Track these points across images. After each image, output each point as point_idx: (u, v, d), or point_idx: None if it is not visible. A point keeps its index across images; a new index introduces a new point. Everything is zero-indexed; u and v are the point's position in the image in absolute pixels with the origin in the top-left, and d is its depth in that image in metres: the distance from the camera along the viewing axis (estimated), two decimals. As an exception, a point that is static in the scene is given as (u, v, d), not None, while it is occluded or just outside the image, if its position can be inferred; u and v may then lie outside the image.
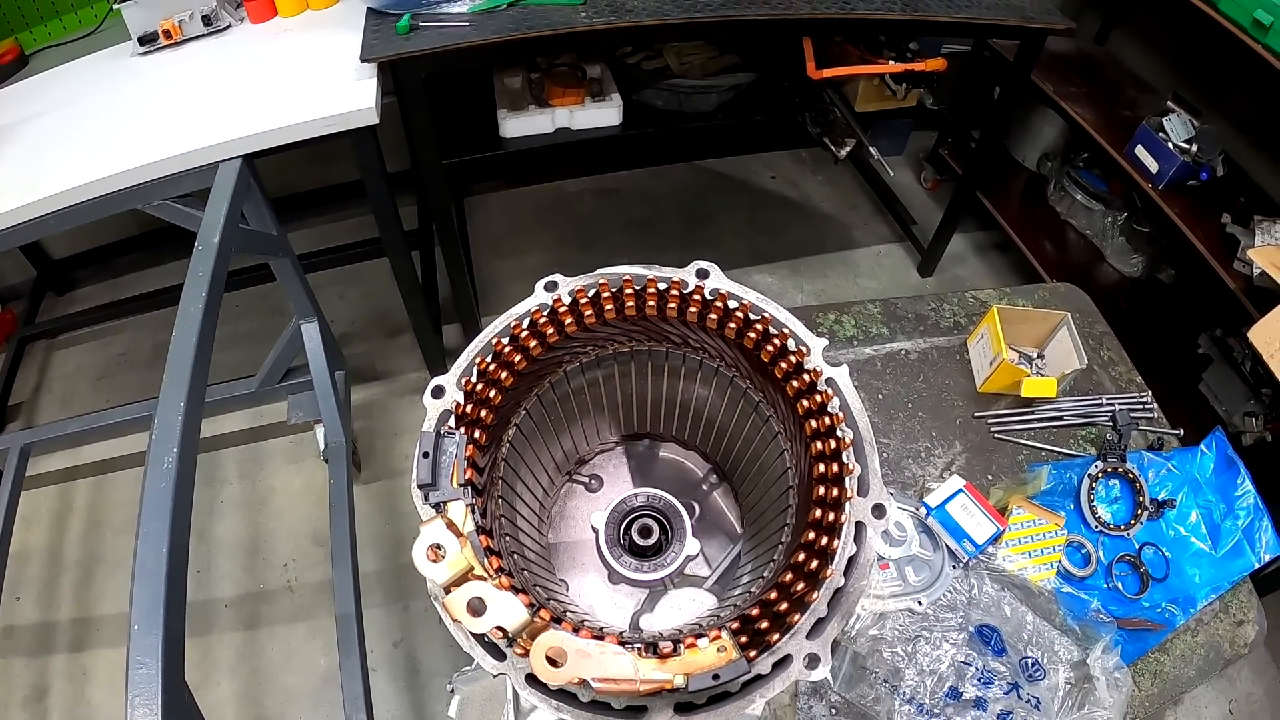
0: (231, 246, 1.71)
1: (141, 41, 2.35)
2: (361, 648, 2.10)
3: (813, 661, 0.63)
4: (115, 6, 2.28)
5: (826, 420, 0.71)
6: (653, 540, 0.95)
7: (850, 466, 0.69)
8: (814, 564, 0.67)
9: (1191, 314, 3.05)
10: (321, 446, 2.61)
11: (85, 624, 2.58)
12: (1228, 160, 2.83)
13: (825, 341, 0.73)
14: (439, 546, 0.61)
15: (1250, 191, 2.83)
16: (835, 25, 2.44)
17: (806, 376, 0.72)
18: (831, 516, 0.69)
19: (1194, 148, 2.71)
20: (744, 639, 0.64)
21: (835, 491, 0.69)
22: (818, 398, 0.71)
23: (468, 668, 1.10)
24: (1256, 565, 1.58)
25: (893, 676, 1.31)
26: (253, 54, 2.33)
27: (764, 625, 0.64)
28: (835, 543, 0.67)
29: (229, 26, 2.44)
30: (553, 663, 0.58)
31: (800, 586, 0.66)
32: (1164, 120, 2.79)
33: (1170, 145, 2.73)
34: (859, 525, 0.69)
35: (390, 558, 2.67)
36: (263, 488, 2.87)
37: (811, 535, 0.69)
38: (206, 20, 2.37)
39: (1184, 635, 1.51)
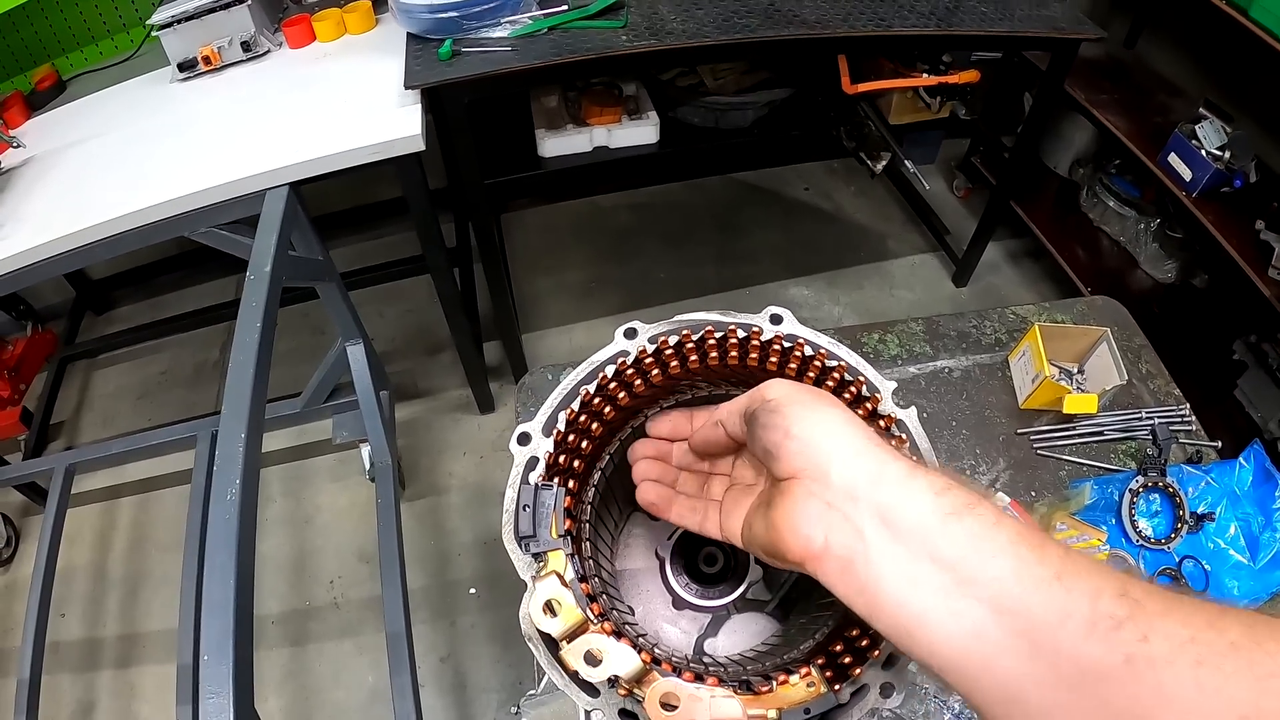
0: (282, 275, 1.72)
1: (181, 68, 2.37)
2: (413, 666, 2.12)
3: (887, 690, 0.66)
4: (154, 34, 2.31)
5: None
6: (717, 568, 0.97)
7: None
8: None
9: (1226, 320, 3.04)
10: (367, 466, 2.64)
11: (131, 640, 2.62)
12: (1261, 165, 2.82)
13: (895, 385, 0.75)
14: (556, 602, 0.64)
15: (1285, 196, 2.80)
16: (873, 43, 2.44)
17: (881, 422, 0.74)
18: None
19: (1227, 154, 2.69)
20: (829, 673, 0.66)
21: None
22: (892, 443, 0.73)
23: (533, 691, 1.12)
24: (1296, 577, 1.58)
25: (942, 691, 1.33)
26: (293, 80, 2.35)
27: (846, 660, 0.67)
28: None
29: (268, 52, 2.45)
30: (668, 707, 0.60)
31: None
32: (1196, 127, 2.77)
33: (1203, 153, 2.72)
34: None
35: (436, 574, 2.70)
36: (308, 505, 2.91)
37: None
38: (245, 46, 2.38)
39: (1225, 648, 1.51)
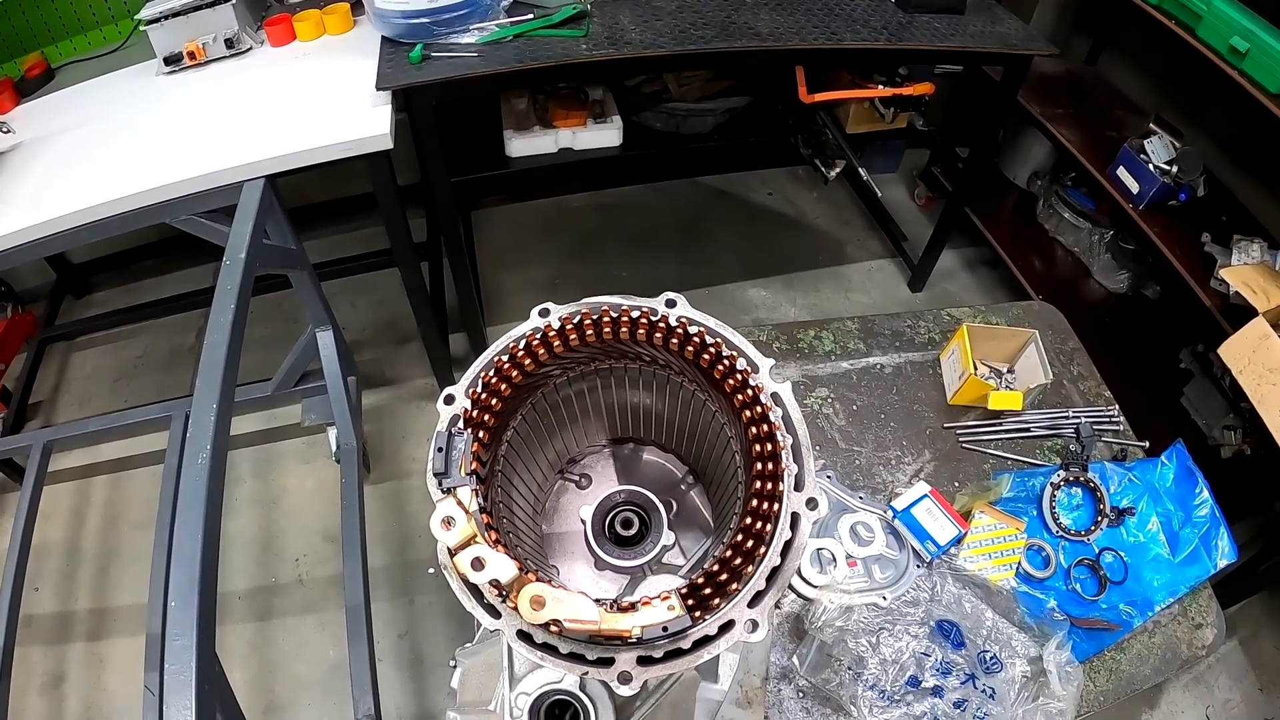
0: (256, 262, 1.81)
1: (167, 62, 2.45)
2: (369, 637, 2.20)
3: (753, 626, 0.77)
4: (142, 28, 2.38)
5: (765, 427, 0.84)
6: (633, 531, 1.07)
7: (785, 465, 0.82)
8: (750, 544, 0.80)
9: (1175, 329, 3.10)
10: (333, 449, 2.71)
11: (102, 614, 2.68)
12: (1212, 179, 2.90)
13: (772, 361, 0.86)
14: (450, 519, 0.75)
15: (1233, 210, 2.89)
16: (823, 56, 2.54)
17: (750, 391, 0.85)
18: (767, 506, 0.82)
19: (1174, 169, 2.75)
20: (691, 602, 0.77)
21: (770, 486, 0.83)
22: (759, 409, 0.84)
23: (468, 644, 1.22)
24: (1213, 571, 1.66)
25: (857, 664, 1.41)
26: (273, 77, 2.42)
27: (708, 592, 0.78)
28: (767, 528, 0.80)
29: (250, 49, 2.52)
30: (537, 607, 0.72)
31: (739, 562, 0.79)
32: (1145, 142, 2.84)
33: (1151, 167, 2.78)
34: (795, 515, 0.82)
35: (397, 554, 2.77)
36: (276, 486, 2.97)
37: (749, 521, 0.82)
38: (229, 43, 2.46)
39: (1141, 636, 1.59)
